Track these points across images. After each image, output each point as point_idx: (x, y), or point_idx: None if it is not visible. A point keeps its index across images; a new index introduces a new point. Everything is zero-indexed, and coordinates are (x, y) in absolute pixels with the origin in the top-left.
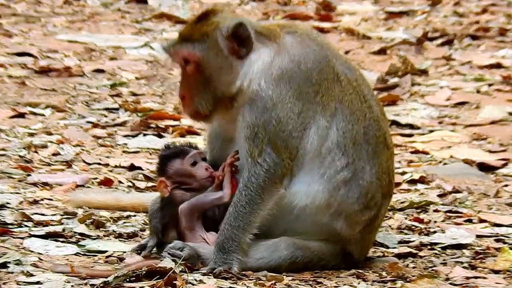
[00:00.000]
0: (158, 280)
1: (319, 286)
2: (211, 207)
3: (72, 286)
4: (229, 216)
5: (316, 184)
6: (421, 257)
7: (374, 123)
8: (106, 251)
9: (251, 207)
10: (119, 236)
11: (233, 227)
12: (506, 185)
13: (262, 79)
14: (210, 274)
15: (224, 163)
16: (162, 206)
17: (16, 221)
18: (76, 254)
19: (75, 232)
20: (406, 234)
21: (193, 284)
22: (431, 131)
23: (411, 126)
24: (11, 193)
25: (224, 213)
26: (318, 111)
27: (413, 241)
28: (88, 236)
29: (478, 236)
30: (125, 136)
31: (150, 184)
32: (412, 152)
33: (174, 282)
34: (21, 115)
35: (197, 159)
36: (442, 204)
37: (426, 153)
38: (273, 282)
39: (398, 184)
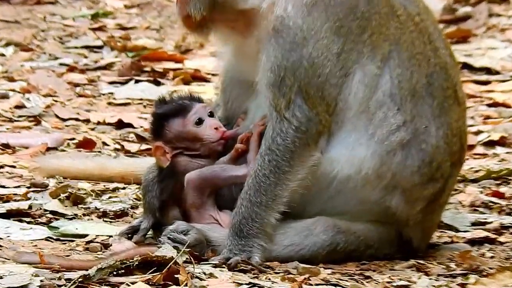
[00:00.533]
0: (155, 274)
1: (367, 282)
2: (228, 185)
3: (41, 281)
4: (248, 189)
5: (363, 148)
6: (501, 243)
7: (441, 70)
8: (87, 235)
9: (277, 177)
10: (103, 215)
11: (254, 204)
12: None
13: (289, 2)
14: (224, 265)
15: (246, 133)
16: (160, 177)
17: None
18: (47, 239)
19: (46, 210)
20: (481, 213)
21: (201, 279)
22: None
23: (487, 71)
24: None
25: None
26: (365, 54)
27: (490, 222)
28: (63, 215)
29: None
30: (111, 83)
31: (144, 146)
32: (489, 105)
33: (176, 276)
34: None
35: (203, 116)
36: None
37: (508, 106)
38: (306, 276)
39: (471, 147)
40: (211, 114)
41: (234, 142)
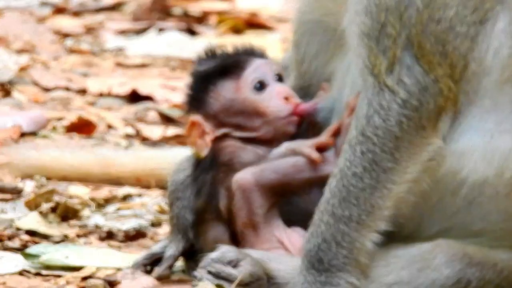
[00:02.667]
0: None
1: None
2: (305, 184)
3: None
4: (331, 197)
5: (508, 137)
6: None
7: None
8: (82, 268)
9: (375, 177)
10: (108, 237)
11: (339, 220)
12: None
13: None
14: None
15: (338, 121)
16: (196, 176)
17: None
18: (22, 272)
19: (19, 229)
20: None
21: None
22: None
23: None
24: None
25: None
26: None
27: None
28: (46, 237)
29: None
30: (121, 32)
31: (171, 130)
32: None
33: None
34: None
35: (267, 78)
36: None
37: None
38: None
39: None
40: (280, 78)
41: (309, 126)
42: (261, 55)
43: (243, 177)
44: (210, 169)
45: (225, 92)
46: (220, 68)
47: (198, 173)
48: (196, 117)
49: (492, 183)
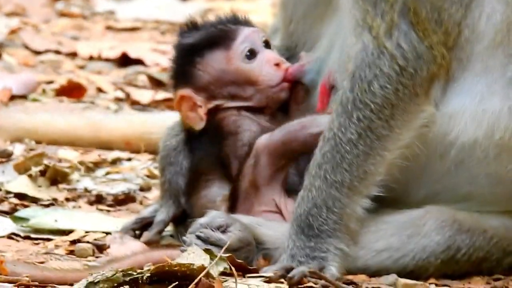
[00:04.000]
0: None
1: None
2: (312, 149)
3: None
4: (323, 161)
5: (497, 99)
6: None
7: None
8: (71, 231)
9: (369, 144)
10: (97, 200)
11: (331, 185)
12: None
13: None
14: (283, 279)
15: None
16: (187, 139)
17: None
18: (11, 236)
19: (9, 192)
20: None
21: None
22: None
23: None
24: None
25: None
26: None
27: None
28: (35, 201)
29: None
30: None
31: (161, 94)
32: None
33: None
34: None
35: (257, 46)
36: None
37: None
38: None
39: None
40: (267, 44)
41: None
42: (247, 23)
43: (262, 141)
44: (218, 140)
45: (215, 63)
46: (207, 40)
47: (198, 142)
48: (185, 91)
49: (482, 144)
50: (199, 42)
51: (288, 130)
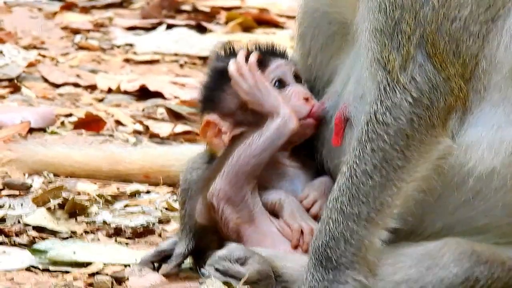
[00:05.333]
0: None
1: None
2: (267, 161)
3: None
4: (340, 194)
5: None
6: None
7: None
8: (90, 264)
9: (385, 175)
10: (115, 233)
11: (348, 217)
12: None
13: None
14: None
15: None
16: (209, 173)
17: None
18: (30, 268)
19: (27, 225)
20: None
21: None
22: None
23: None
24: None
25: None
26: None
27: None
28: (54, 233)
29: None
30: (130, 28)
31: (180, 127)
32: None
33: None
34: None
35: (287, 77)
36: None
37: None
38: None
39: None
40: (298, 78)
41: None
42: (282, 55)
43: (215, 188)
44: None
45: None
46: None
47: (213, 171)
48: (212, 116)
49: (499, 173)
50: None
51: (237, 156)
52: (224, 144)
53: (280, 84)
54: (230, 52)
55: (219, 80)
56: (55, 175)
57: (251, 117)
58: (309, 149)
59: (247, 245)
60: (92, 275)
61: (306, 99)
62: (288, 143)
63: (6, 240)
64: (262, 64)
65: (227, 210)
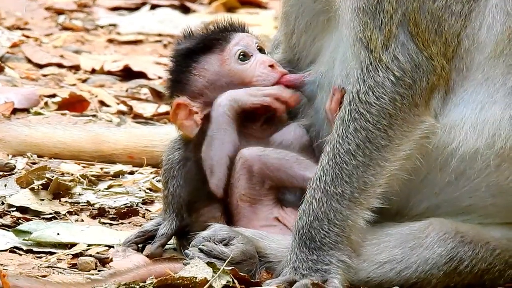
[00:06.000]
0: None
1: None
2: (296, 187)
3: None
4: (323, 174)
5: (498, 108)
6: None
7: None
8: (74, 245)
9: (368, 154)
10: (99, 214)
11: (331, 197)
12: None
13: None
14: None
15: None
16: (187, 156)
17: None
18: (14, 249)
19: (11, 206)
20: None
21: None
22: None
23: None
24: None
25: None
26: None
27: None
28: (37, 214)
29: None
30: (114, 9)
31: (164, 107)
32: None
33: None
34: None
35: (250, 48)
36: None
37: None
38: None
39: None
40: (261, 50)
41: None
42: (242, 29)
43: (247, 154)
44: (198, 150)
45: (210, 66)
46: (201, 45)
47: (190, 154)
48: (181, 99)
49: (483, 154)
50: (194, 48)
51: (281, 158)
52: (197, 124)
53: (244, 56)
54: (190, 35)
55: (184, 62)
56: (39, 156)
57: (220, 93)
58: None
59: (238, 225)
60: (75, 256)
61: (271, 66)
62: (260, 113)
63: None
64: (224, 40)
65: (242, 180)
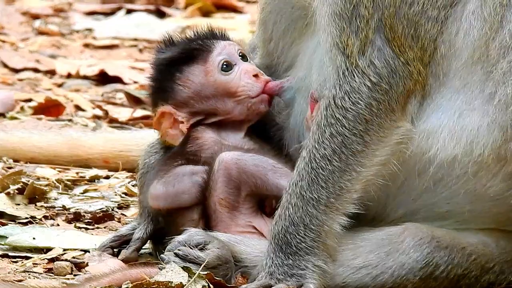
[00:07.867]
0: None
1: None
2: (272, 196)
3: None
4: (299, 179)
5: (476, 115)
6: None
7: None
8: (50, 249)
9: (344, 160)
10: (75, 218)
11: (307, 202)
12: None
13: None
14: None
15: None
16: (166, 160)
17: None
18: None
19: None
20: None
21: None
22: None
23: None
24: None
25: None
26: None
27: None
28: (13, 219)
29: None
30: (90, 13)
31: (139, 112)
32: None
33: None
34: None
35: (233, 58)
36: None
37: None
38: None
39: None
40: (244, 57)
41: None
42: (223, 36)
43: (227, 157)
44: (179, 156)
45: (194, 77)
46: (184, 54)
47: (169, 158)
48: (166, 108)
49: (461, 161)
50: (177, 57)
51: (259, 164)
52: (182, 133)
53: (228, 66)
54: (170, 43)
55: (167, 71)
56: (15, 160)
57: (205, 104)
58: (265, 134)
59: (216, 229)
60: (51, 260)
61: (256, 76)
62: (246, 120)
63: None
64: (207, 50)
65: (221, 184)
